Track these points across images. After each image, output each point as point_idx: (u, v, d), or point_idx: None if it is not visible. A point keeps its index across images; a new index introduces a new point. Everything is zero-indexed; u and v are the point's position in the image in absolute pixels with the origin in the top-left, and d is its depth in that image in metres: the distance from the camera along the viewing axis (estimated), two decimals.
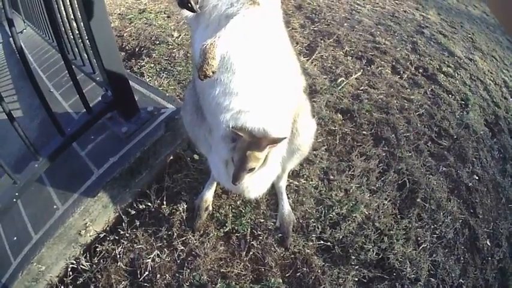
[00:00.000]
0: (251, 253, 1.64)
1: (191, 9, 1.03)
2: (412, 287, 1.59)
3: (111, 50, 1.71)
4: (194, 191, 1.84)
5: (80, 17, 1.67)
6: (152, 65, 2.75)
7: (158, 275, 1.57)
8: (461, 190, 2.07)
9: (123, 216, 1.72)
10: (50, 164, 1.62)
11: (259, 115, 1.20)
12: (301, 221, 1.74)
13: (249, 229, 1.71)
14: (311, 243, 1.67)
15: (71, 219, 1.62)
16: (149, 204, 1.78)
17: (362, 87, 2.59)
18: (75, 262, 1.61)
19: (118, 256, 1.64)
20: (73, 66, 1.72)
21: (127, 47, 3.09)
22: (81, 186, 1.71)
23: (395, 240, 1.71)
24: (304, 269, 1.59)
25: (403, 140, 2.21)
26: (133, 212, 1.75)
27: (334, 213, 1.77)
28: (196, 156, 1.95)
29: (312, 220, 1.74)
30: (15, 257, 1.55)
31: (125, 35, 3.26)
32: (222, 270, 1.59)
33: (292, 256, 1.64)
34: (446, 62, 3.08)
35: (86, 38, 1.74)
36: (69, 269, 1.60)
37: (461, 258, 1.77)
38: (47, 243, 1.55)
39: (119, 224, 1.72)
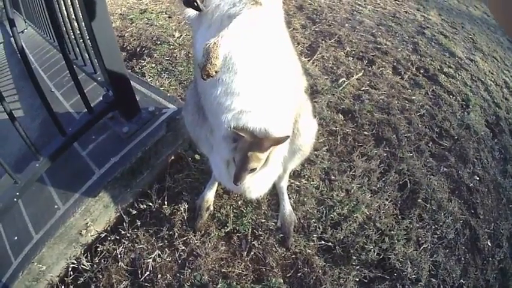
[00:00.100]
0: (252, 253, 1.64)
1: (197, 8, 1.04)
2: (412, 287, 1.59)
3: (113, 50, 1.71)
4: (195, 191, 1.84)
5: (81, 16, 1.67)
6: (153, 65, 2.76)
7: (159, 275, 1.57)
8: (462, 190, 2.07)
9: (124, 216, 1.72)
10: (51, 163, 1.62)
11: (261, 115, 1.19)
12: (302, 221, 1.74)
13: (250, 229, 1.71)
14: (312, 243, 1.67)
15: (71, 219, 1.62)
16: (150, 204, 1.78)
17: (363, 88, 2.59)
18: (75, 262, 1.61)
19: (119, 256, 1.64)
20: (74, 66, 1.72)
21: (128, 47, 3.09)
22: (82, 186, 1.71)
23: (396, 241, 1.71)
24: (305, 269, 1.59)
25: (404, 141, 2.21)
26: (134, 212, 1.75)
27: (335, 214, 1.77)
28: (197, 156, 1.95)
29: (313, 220, 1.74)
30: (15, 256, 1.55)
31: (126, 35, 3.26)
32: (223, 270, 1.59)
33: (293, 256, 1.64)
34: (447, 63, 3.08)
35: (87, 38, 1.74)
36: (70, 269, 1.60)
37: (462, 258, 1.77)
38: (47, 243, 1.55)
39: (120, 224, 1.72)
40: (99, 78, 1.91)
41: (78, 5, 1.65)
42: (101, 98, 1.86)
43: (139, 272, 1.59)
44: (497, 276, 1.80)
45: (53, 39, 2.66)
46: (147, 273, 1.58)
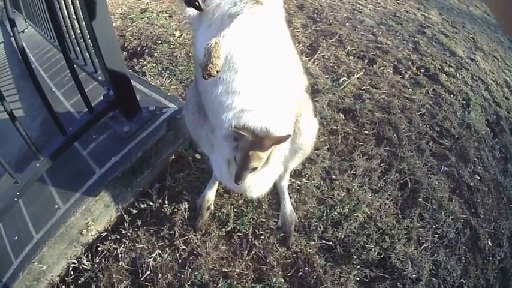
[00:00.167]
0: (253, 252, 1.64)
1: (198, 8, 1.03)
2: (413, 286, 1.59)
3: (113, 49, 1.71)
4: (196, 191, 1.84)
5: (81, 16, 1.66)
6: (154, 65, 2.75)
7: (160, 275, 1.57)
8: (463, 190, 2.06)
9: (125, 216, 1.72)
10: (52, 163, 1.62)
11: (262, 114, 1.19)
12: (303, 221, 1.74)
13: (250, 228, 1.71)
14: (313, 242, 1.67)
15: (72, 218, 1.62)
16: (151, 203, 1.77)
17: (364, 87, 2.59)
18: (76, 261, 1.61)
19: (119, 255, 1.64)
20: (75, 66, 1.72)
21: (129, 47, 3.09)
22: (83, 186, 1.71)
23: (397, 240, 1.71)
24: (306, 268, 1.59)
25: (404, 140, 2.21)
26: (135, 212, 1.75)
27: (336, 213, 1.76)
28: (198, 156, 1.95)
29: (314, 219, 1.74)
30: (16, 256, 1.55)
31: (126, 34, 3.26)
32: (223, 269, 1.59)
33: (294, 255, 1.64)
34: (448, 62, 3.08)
35: (88, 37, 1.74)
36: (71, 269, 1.60)
37: (463, 258, 1.77)
38: (48, 242, 1.55)
39: (121, 224, 1.72)
40: (99, 78, 1.91)
41: (78, 5, 1.65)
42: (102, 98, 1.85)
43: (139, 271, 1.59)
44: (497, 275, 1.80)
45: (53, 38, 2.66)
46: (148, 272, 1.58)
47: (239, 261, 1.62)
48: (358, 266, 1.61)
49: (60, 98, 2.34)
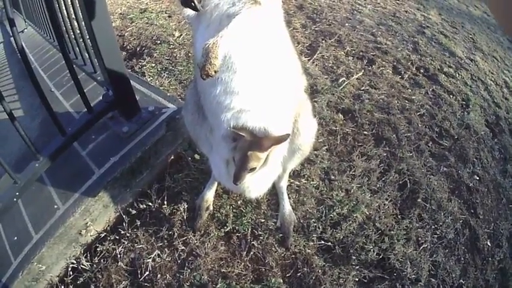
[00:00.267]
0: (252, 253, 1.64)
1: (194, 8, 1.03)
2: (412, 287, 1.59)
3: (112, 49, 1.71)
4: (195, 191, 1.84)
5: (81, 16, 1.67)
6: (153, 65, 2.75)
7: (159, 275, 1.57)
8: (462, 190, 2.06)
9: (124, 216, 1.72)
10: (51, 163, 1.62)
11: (260, 114, 1.19)
12: (302, 221, 1.74)
13: (249, 229, 1.71)
14: (312, 243, 1.67)
15: (71, 218, 1.62)
16: (150, 204, 1.77)
17: (363, 88, 2.59)
18: (75, 262, 1.61)
19: (118, 256, 1.64)
20: (74, 66, 1.72)
21: (128, 47, 3.09)
22: (82, 186, 1.71)
23: (396, 241, 1.71)
24: (305, 269, 1.59)
25: (404, 140, 2.21)
26: (134, 212, 1.75)
27: (335, 213, 1.76)
28: (197, 156, 1.95)
29: (313, 220, 1.74)
30: (15, 256, 1.55)
31: (126, 34, 3.26)
32: (222, 270, 1.59)
33: (293, 256, 1.64)
34: (447, 63, 3.08)
35: (87, 37, 1.74)
36: (70, 269, 1.60)
37: (462, 258, 1.77)
38: (47, 243, 1.55)
39: (120, 224, 1.72)
40: (99, 78, 1.91)
41: (78, 5, 1.65)
42: (101, 98, 1.85)
43: (138, 272, 1.59)
44: (496, 276, 1.80)
45: (52, 38, 2.66)
46: (147, 273, 1.58)
47: (238, 262, 1.62)
48: (357, 267, 1.60)
49: (60, 98, 2.34)
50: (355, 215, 1.77)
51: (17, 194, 1.53)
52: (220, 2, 1.04)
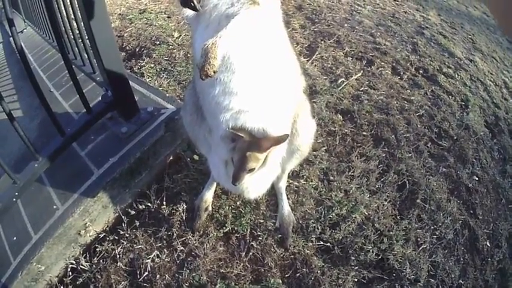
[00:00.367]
0: (251, 254, 1.64)
1: (193, 8, 1.04)
2: (411, 287, 1.59)
3: (112, 50, 1.72)
4: (194, 192, 1.84)
5: (80, 16, 1.67)
6: (152, 65, 2.75)
7: (158, 275, 1.57)
8: (461, 191, 2.07)
9: (123, 217, 1.72)
10: (50, 164, 1.62)
11: (259, 115, 1.19)
12: (300, 222, 1.74)
13: (248, 230, 1.71)
14: (311, 243, 1.67)
15: (70, 219, 1.62)
16: (149, 204, 1.77)
17: (362, 88, 2.59)
18: (74, 262, 1.61)
19: (118, 256, 1.63)
20: (73, 66, 1.72)
21: (127, 47, 3.09)
22: (81, 186, 1.71)
23: (395, 241, 1.71)
24: (304, 269, 1.59)
25: (403, 141, 2.21)
26: (133, 212, 1.75)
27: (334, 214, 1.76)
28: (196, 157, 1.95)
29: (312, 221, 1.74)
30: (14, 257, 1.55)
31: (125, 35, 3.26)
32: (221, 270, 1.59)
33: (292, 257, 1.64)
34: (447, 63, 3.08)
35: (86, 38, 1.74)
36: (69, 269, 1.60)
37: (461, 259, 1.77)
38: (46, 243, 1.55)
39: (119, 224, 1.72)
40: (98, 78, 1.91)
41: (77, 5, 1.66)
42: (100, 98, 1.86)
43: (138, 272, 1.59)
44: (496, 276, 1.80)
45: (52, 39, 2.66)
46: (146, 273, 1.58)
47: (237, 263, 1.62)
48: (356, 267, 1.60)
49: (59, 99, 2.34)
50: (354, 216, 1.77)
51: (16, 194, 1.53)
52: (219, 3, 1.05)
